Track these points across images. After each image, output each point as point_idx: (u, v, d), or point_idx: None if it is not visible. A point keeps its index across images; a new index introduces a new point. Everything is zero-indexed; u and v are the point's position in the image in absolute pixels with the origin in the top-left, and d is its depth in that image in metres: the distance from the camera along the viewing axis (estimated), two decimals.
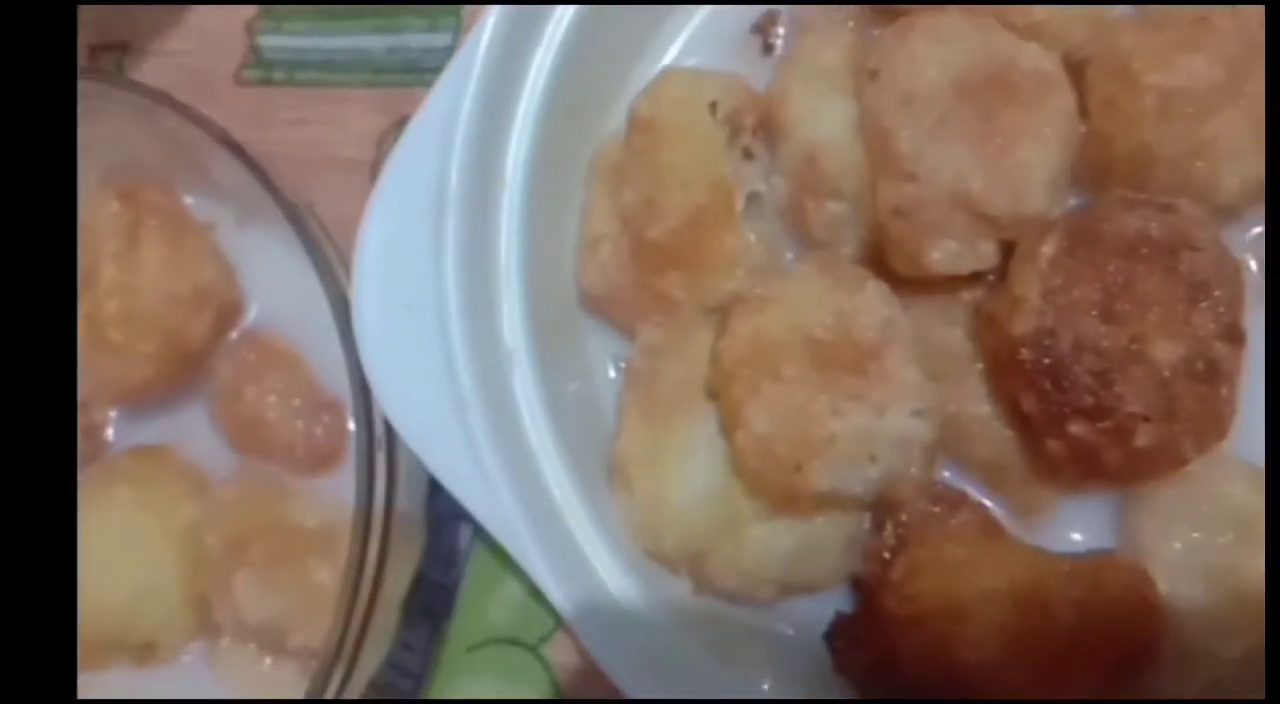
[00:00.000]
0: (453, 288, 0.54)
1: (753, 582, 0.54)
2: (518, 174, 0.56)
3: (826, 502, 0.52)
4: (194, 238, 0.66)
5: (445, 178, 0.54)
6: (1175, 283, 0.50)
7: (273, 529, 0.62)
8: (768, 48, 0.62)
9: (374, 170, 0.73)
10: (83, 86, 0.61)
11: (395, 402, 0.54)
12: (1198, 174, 0.53)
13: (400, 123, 0.73)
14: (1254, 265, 0.55)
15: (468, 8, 0.74)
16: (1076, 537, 0.55)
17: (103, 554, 0.62)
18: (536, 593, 0.54)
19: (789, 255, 0.59)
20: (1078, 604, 0.50)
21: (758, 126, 0.58)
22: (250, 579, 0.60)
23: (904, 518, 0.53)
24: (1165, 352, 0.50)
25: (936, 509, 0.53)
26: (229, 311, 0.67)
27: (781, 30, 0.62)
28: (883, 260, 0.55)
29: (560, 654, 0.66)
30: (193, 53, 0.78)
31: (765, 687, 0.55)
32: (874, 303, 0.53)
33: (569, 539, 0.54)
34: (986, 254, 0.53)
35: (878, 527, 0.53)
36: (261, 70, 0.77)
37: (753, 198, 0.57)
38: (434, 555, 0.66)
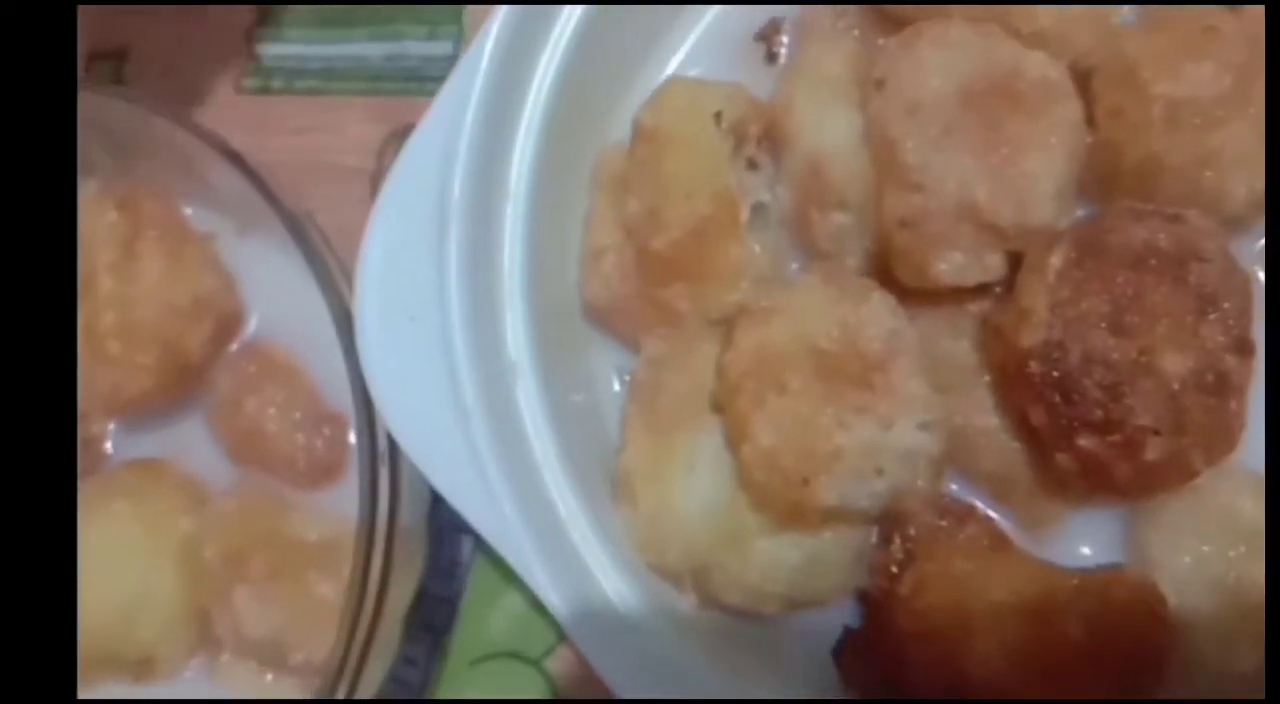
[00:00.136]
0: (456, 299, 0.53)
1: (758, 596, 0.53)
2: (521, 184, 0.56)
3: (833, 515, 0.52)
4: (193, 248, 0.66)
5: (448, 188, 0.54)
6: (1184, 294, 0.50)
7: (272, 542, 0.62)
8: (771, 56, 0.62)
9: (374, 179, 0.73)
10: (81, 94, 0.60)
11: (398, 414, 0.54)
12: (1206, 184, 0.52)
13: (400, 131, 0.73)
14: (1263, 276, 0.55)
15: (468, 17, 0.74)
16: (1085, 550, 0.55)
17: (100, 568, 0.61)
18: (538, 605, 0.54)
19: (794, 266, 0.58)
20: (1086, 618, 0.50)
21: (762, 136, 0.58)
22: (251, 593, 0.60)
23: (911, 531, 0.52)
24: (1174, 364, 0.49)
25: (944, 523, 0.53)
26: (229, 323, 0.66)
27: (785, 39, 0.62)
28: (888, 271, 0.55)
29: (563, 668, 0.65)
30: (191, 61, 0.77)
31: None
32: (880, 314, 0.53)
33: (573, 552, 0.53)
34: (993, 266, 0.53)
35: (885, 540, 0.53)
36: (260, 79, 0.77)
37: (757, 208, 0.56)
38: (434, 568, 0.66)
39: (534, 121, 0.56)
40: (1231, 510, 0.51)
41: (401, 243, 0.54)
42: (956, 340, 0.55)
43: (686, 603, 0.55)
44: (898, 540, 0.53)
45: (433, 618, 0.66)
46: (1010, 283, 0.53)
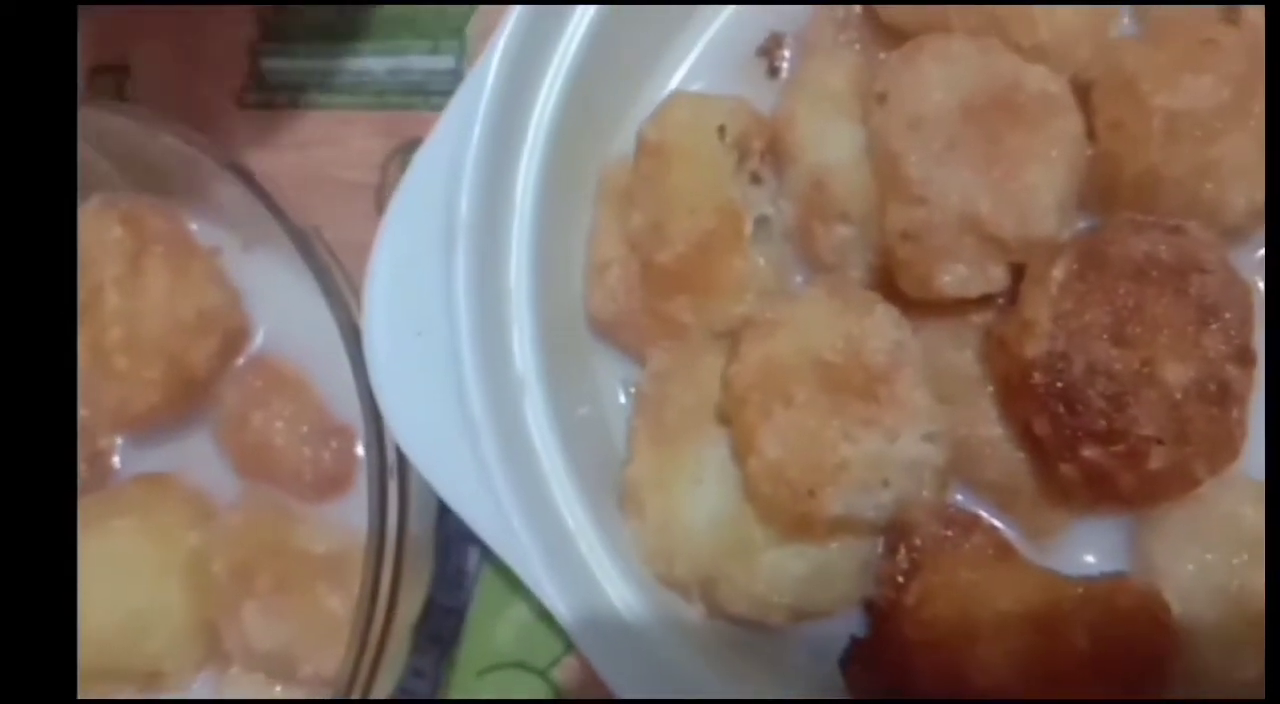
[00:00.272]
0: (463, 314, 0.54)
1: (765, 607, 0.53)
2: (526, 199, 0.56)
3: (839, 527, 0.52)
4: (199, 263, 0.66)
5: (455, 204, 0.54)
6: (1185, 305, 0.50)
7: (280, 555, 0.62)
8: (773, 71, 0.62)
9: (378, 193, 0.73)
10: (83, 110, 0.60)
11: (407, 428, 0.54)
12: (1206, 195, 0.53)
13: (404, 145, 0.73)
14: (1263, 286, 0.55)
15: (471, 31, 0.74)
16: (1089, 559, 0.55)
17: (107, 582, 0.62)
18: (544, 615, 0.54)
19: (798, 279, 0.59)
20: (1091, 626, 0.50)
21: (765, 150, 0.58)
22: (259, 607, 0.60)
23: (917, 542, 0.53)
24: (1176, 374, 0.50)
25: (949, 533, 0.53)
26: (235, 337, 0.66)
27: (787, 53, 0.62)
28: (892, 283, 0.55)
29: (569, 678, 0.66)
30: (194, 76, 0.77)
31: None
32: (883, 326, 0.53)
33: (580, 564, 0.54)
34: (996, 277, 0.53)
35: (890, 551, 0.53)
36: (264, 93, 0.77)
37: (761, 222, 0.57)
38: (442, 579, 0.66)
39: (539, 136, 0.56)
40: (1234, 518, 0.51)
41: (409, 258, 0.54)
42: (960, 352, 0.55)
43: (694, 613, 0.56)
44: (903, 551, 0.53)
45: (440, 629, 0.67)
46: (1013, 294, 0.54)
